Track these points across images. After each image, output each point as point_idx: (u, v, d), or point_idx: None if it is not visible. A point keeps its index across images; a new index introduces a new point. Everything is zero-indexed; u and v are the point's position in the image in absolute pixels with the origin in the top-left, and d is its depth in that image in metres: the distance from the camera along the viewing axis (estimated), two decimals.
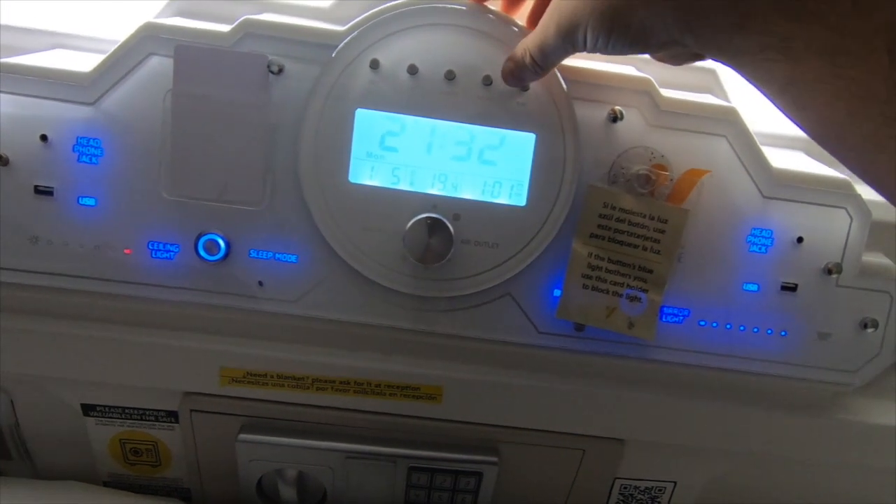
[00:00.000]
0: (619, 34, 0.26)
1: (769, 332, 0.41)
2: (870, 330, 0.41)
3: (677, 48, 0.25)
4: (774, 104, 0.23)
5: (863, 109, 0.20)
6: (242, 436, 0.44)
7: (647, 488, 0.50)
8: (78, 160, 0.37)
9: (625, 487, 0.50)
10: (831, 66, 0.20)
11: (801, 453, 0.45)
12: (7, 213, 0.38)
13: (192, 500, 0.51)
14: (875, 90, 0.20)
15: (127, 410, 0.46)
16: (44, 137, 0.37)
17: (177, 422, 0.46)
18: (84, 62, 0.38)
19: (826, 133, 0.22)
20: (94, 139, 0.37)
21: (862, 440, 0.44)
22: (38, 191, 0.37)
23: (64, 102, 0.37)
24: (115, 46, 0.36)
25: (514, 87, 0.36)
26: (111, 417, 0.46)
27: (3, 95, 0.36)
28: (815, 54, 0.20)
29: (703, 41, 0.23)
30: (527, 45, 0.33)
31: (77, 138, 0.37)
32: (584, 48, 0.29)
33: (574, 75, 0.37)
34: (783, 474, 0.49)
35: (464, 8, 0.36)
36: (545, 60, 0.32)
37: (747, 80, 0.24)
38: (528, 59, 0.33)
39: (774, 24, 0.21)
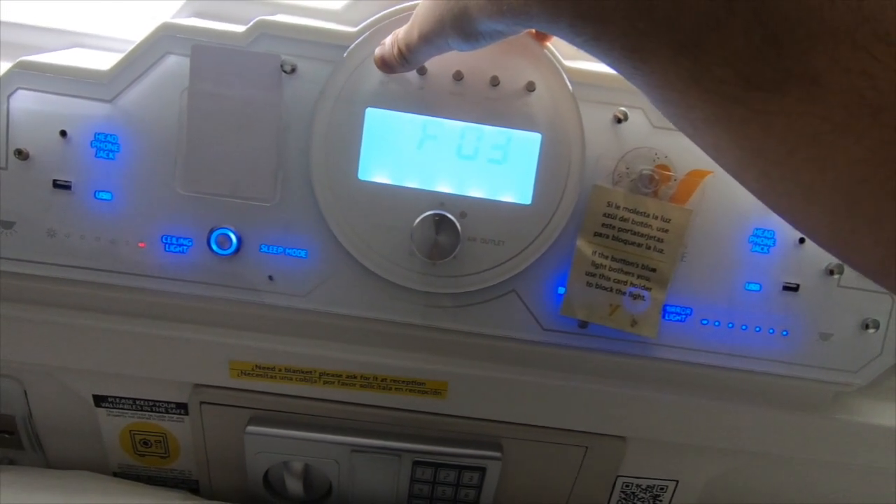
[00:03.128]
0: (475, 38, 0.28)
1: (771, 331, 0.41)
2: (871, 330, 0.41)
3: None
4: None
5: (662, 96, 0.21)
6: (250, 428, 0.45)
7: (648, 486, 0.50)
8: (95, 156, 0.38)
9: (627, 485, 0.50)
10: (632, 61, 0.21)
11: (803, 453, 0.46)
12: (26, 206, 0.39)
13: (199, 492, 0.52)
14: (666, 79, 0.20)
15: (138, 402, 0.47)
16: (63, 133, 0.38)
17: (186, 414, 0.47)
18: (102, 61, 0.39)
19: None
20: (111, 135, 0.38)
21: (863, 440, 0.45)
22: (57, 185, 0.38)
23: (83, 99, 0.38)
24: (133, 46, 0.37)
25: (384, 72, 0.36)
26: (122, 408, 0.47)
27: (24, 92, 0.37)
28: (622, 52, 0.21)
29: (545, 31, 0.25)
30: (398, 38, 0.33)
31: (95, 134, 0.38)
32: (449, 50, 0.30)
33: (579, 77, 0.38)
34: (784, 474, 0.50)
35: None
36: (412, 57, 0.33)
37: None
38: (396, 52, 0.33)
39: (581, 25, 0.21)
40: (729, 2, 0.18)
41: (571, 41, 0.23)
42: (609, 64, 0.23)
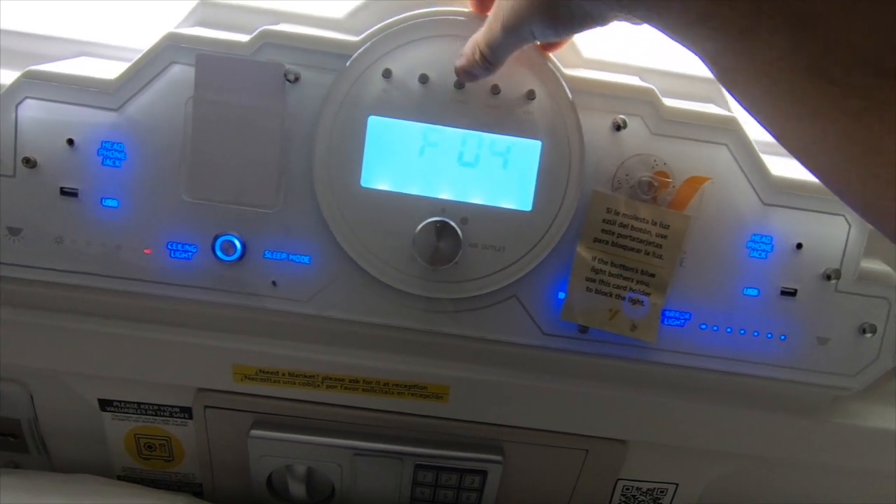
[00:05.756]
0: (564, 22, 0.27)
1: (769, 336, 0.42)
2: (868, 335, 0.42)
3: (622, 19, 0.26)
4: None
5: (763, 87, 0.20)
6: (254, 432, 0.46)
7: (649, 489, 0.51)
8: (102, 163, 0.39)
9: (627, 489, 0.51)
10: (741, 43, 0.20)
11: (801, 456, 0.46)
12: (34, 213, 0.39)
13: (203, 495, 0.52)
14: (776, 67, 0.19)
15: (142, 406, 0.47)
16: (70, 141, 0.38)
17: (190, 418, 0.47)
18: (109, 70, 0.39)
19: (755, 112, 0.22)
20: (117, 143, 0.39)
21: (861, 444, 0.45)
22: (64, 192, 0.39)
23: (89, 108, 0.38)
24: (139, 55, 0.38)
25: (466, 82, 0.37)
26: (127, 413, 0.48)
27: (31, 101, 0.38)
28: (734, 34, 0.20)
29: (640, 16, 0.23)
30: (476, 42, 0.33)
31: (101, 142, 0.39)
32: (532, 41, 0.30)
33: (579, 85, 0.38)
34: (783, 477, 0.50)
35: (472, 19, 0.37)
36: (494, 57, 0.33)
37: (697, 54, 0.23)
38: (478, 56, 0.33)
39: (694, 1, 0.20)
40: None
41: (671, 25, 0.21)
42: (704, 52, 0.21)
